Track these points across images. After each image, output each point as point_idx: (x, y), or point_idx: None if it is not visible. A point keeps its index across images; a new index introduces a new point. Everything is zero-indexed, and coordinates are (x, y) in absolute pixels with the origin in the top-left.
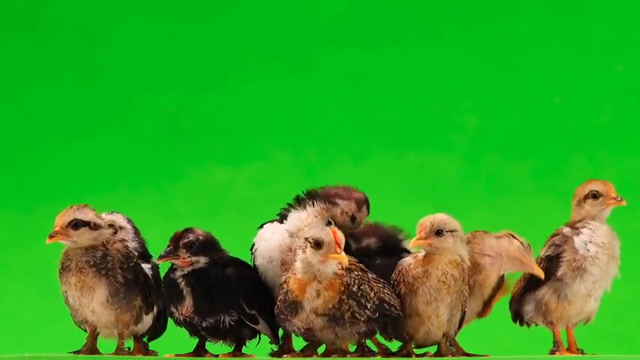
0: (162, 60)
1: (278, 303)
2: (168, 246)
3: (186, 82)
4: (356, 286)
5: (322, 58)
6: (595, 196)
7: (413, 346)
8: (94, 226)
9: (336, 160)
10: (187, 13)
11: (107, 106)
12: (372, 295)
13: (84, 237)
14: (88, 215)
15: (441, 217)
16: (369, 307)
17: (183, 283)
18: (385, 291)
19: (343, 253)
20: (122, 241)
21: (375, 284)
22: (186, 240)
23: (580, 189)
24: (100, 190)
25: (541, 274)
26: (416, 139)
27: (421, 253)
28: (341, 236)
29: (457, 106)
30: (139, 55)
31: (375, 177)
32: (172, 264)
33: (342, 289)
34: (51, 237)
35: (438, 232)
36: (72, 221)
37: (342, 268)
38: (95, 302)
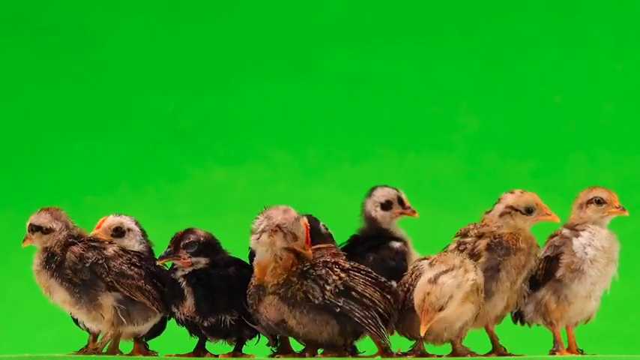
0: (162, 60)
1: (248, 301)
2: (169, 247)
3: (187, 82)
4: (312, 269)
5: (322, 58)
6: (599, 202)
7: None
8: (45, 230)
9: (336, 160)
10: (187, 14)
11: (107, 106)
12: (334, 277)
13: (37, 241)
14: (40, 220)
15: None
16: (328, 288)
17: (184, 282)
18: (360, 281)
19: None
20: (81, 241)
21: (341, 273)
22: (187, 241)
23: (584, 193)
24: (100, 190)
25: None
26: (416, 139)
27: (440, 260)
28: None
29: (457, 106)
30: (139, 55)
31: (375, 177)
32: (173, 263)
33: (294, 269)
34: (23, 241)
35: None
36: (29, 226)
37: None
38: (59, 303)
